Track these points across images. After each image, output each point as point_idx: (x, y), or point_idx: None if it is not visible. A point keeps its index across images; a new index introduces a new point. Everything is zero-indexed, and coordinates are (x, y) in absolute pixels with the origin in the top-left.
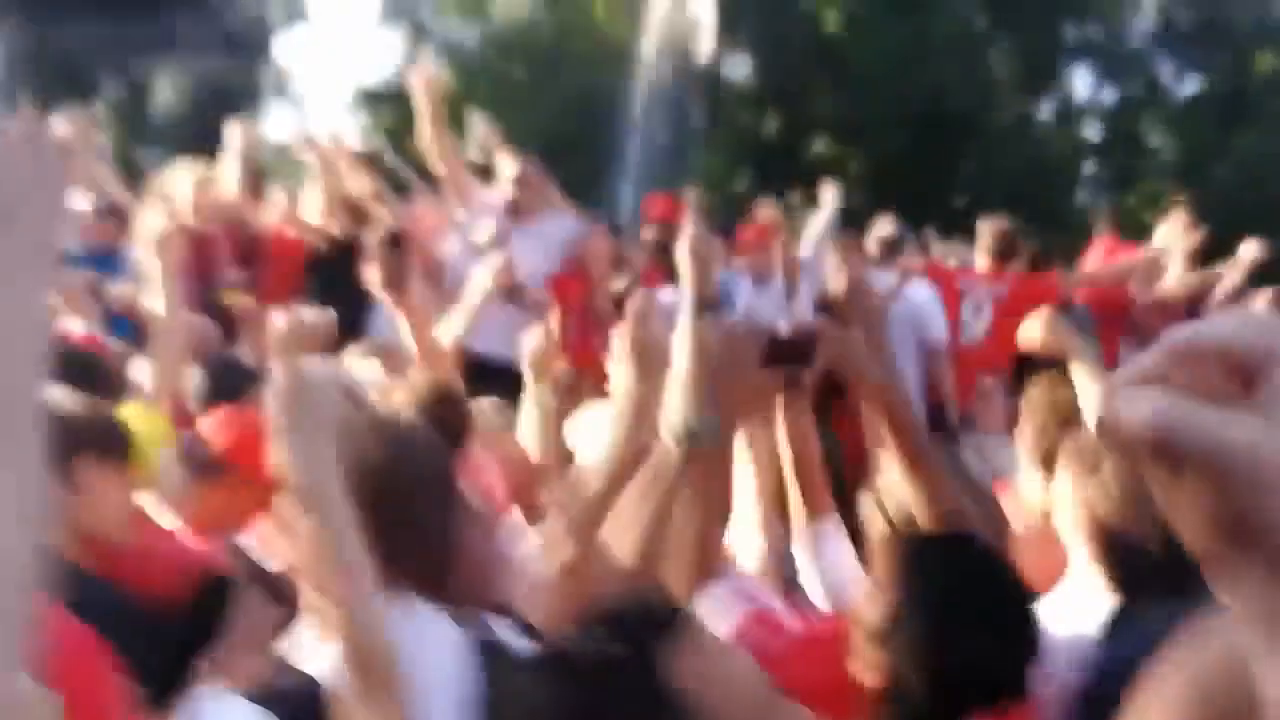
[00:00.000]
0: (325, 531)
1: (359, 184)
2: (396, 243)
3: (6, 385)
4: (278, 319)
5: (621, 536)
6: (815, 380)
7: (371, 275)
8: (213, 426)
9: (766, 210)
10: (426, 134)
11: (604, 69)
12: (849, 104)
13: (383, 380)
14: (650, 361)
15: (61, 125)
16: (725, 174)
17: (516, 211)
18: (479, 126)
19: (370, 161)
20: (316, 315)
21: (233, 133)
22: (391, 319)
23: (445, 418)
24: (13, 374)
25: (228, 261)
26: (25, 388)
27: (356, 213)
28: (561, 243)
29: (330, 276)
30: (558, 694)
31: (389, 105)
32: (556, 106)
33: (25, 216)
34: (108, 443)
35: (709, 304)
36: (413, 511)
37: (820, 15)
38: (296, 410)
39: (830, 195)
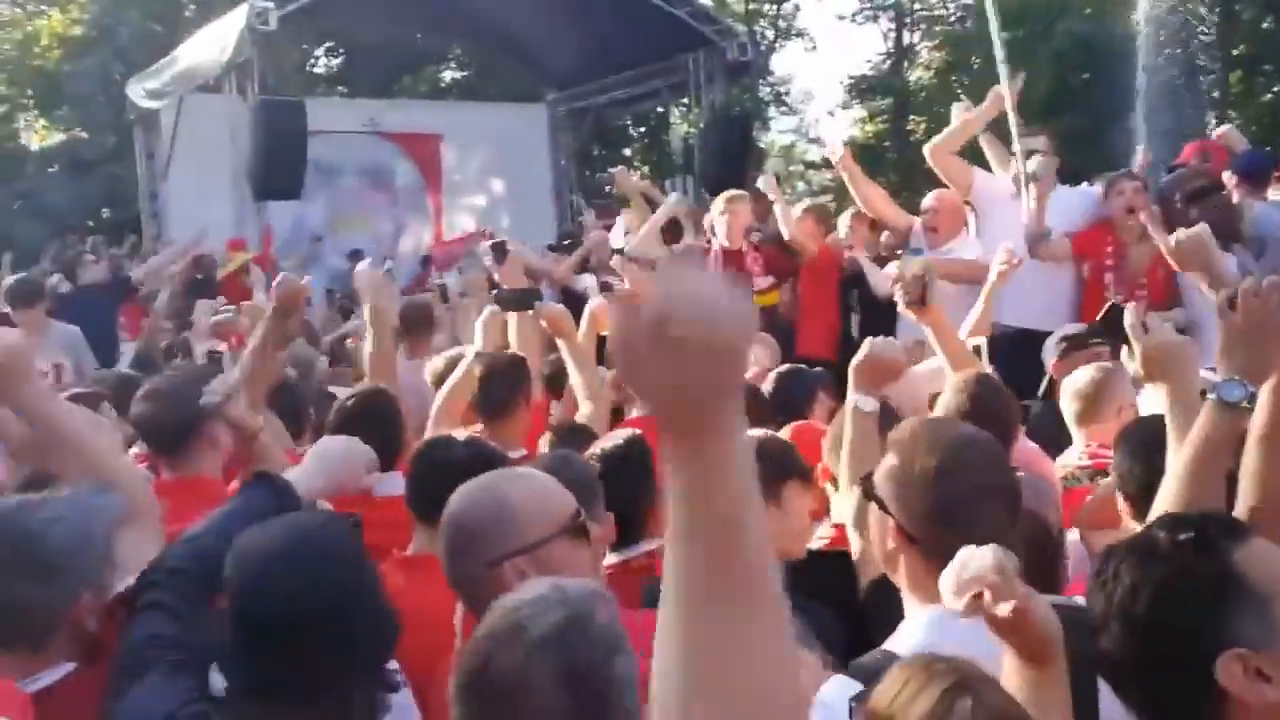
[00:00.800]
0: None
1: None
2: (921, 278)
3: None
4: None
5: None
6: None
7: (897, 294)
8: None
9: None
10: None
11: (1099, 15)
12: None
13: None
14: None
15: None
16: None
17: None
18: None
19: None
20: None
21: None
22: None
23: (995, 413)
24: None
25: (759, 273)
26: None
27: (875, 227)
28: (1085, 208)
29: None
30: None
31: (881, 94)
32: (1052, 57)
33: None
34: (803, 468)
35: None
36: (973, 520)
37: None
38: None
39: None
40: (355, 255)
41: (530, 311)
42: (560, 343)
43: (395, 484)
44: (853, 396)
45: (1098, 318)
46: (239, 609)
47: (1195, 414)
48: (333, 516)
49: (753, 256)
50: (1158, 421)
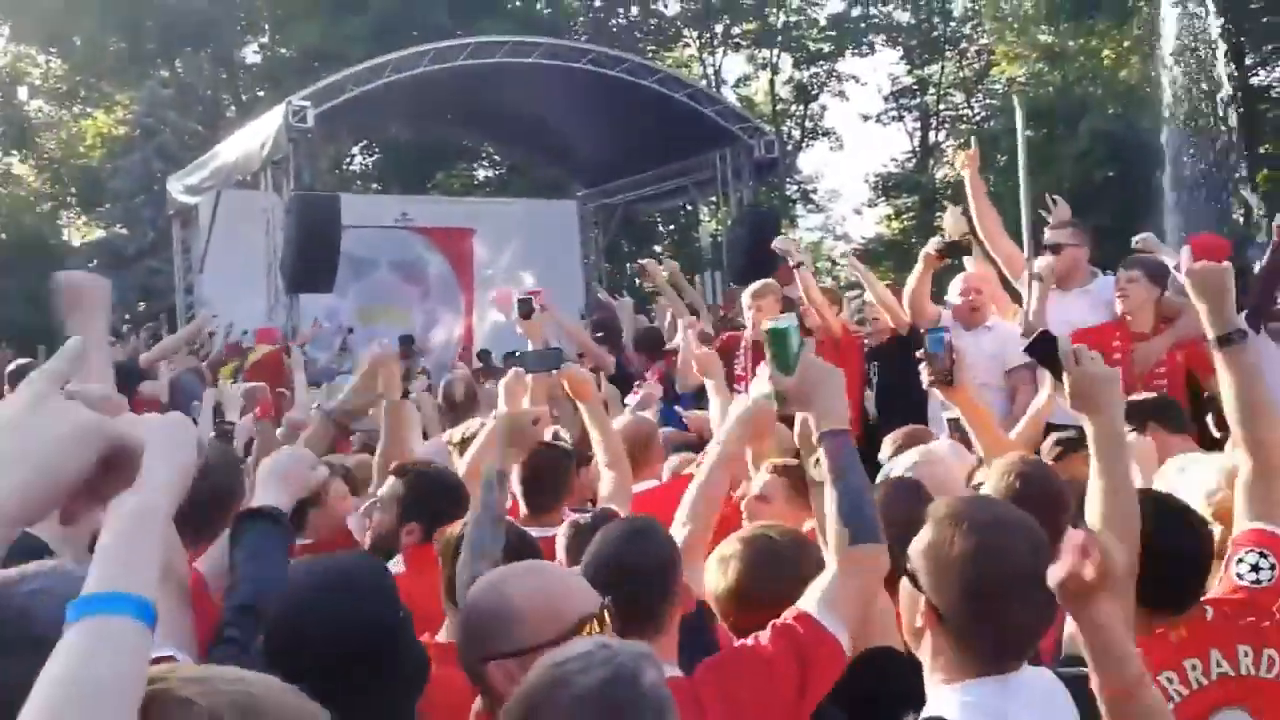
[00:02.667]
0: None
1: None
2: (951, 352)
3: None
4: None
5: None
6: None
7: (922, 372)
8: None
9: None
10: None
11: (1124, 109)
12: None
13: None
14: None
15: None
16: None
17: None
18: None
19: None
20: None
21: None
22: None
23: (1044, 497)
24: None
25: None
26: None
27: (894, 312)
28: (1108, 301)
29: (890, 365)
30: None
31: (907, 191)
32: (1077, 156)
33: None
34: None
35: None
36: (1007, 608)
37: None
38: None
39: None
40: (406, 341)
41: (554, 373)
42: (582, 406)
43: None
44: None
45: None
46: (275, 647)
47: (1118, 446)
48: (368, 558)
49: None
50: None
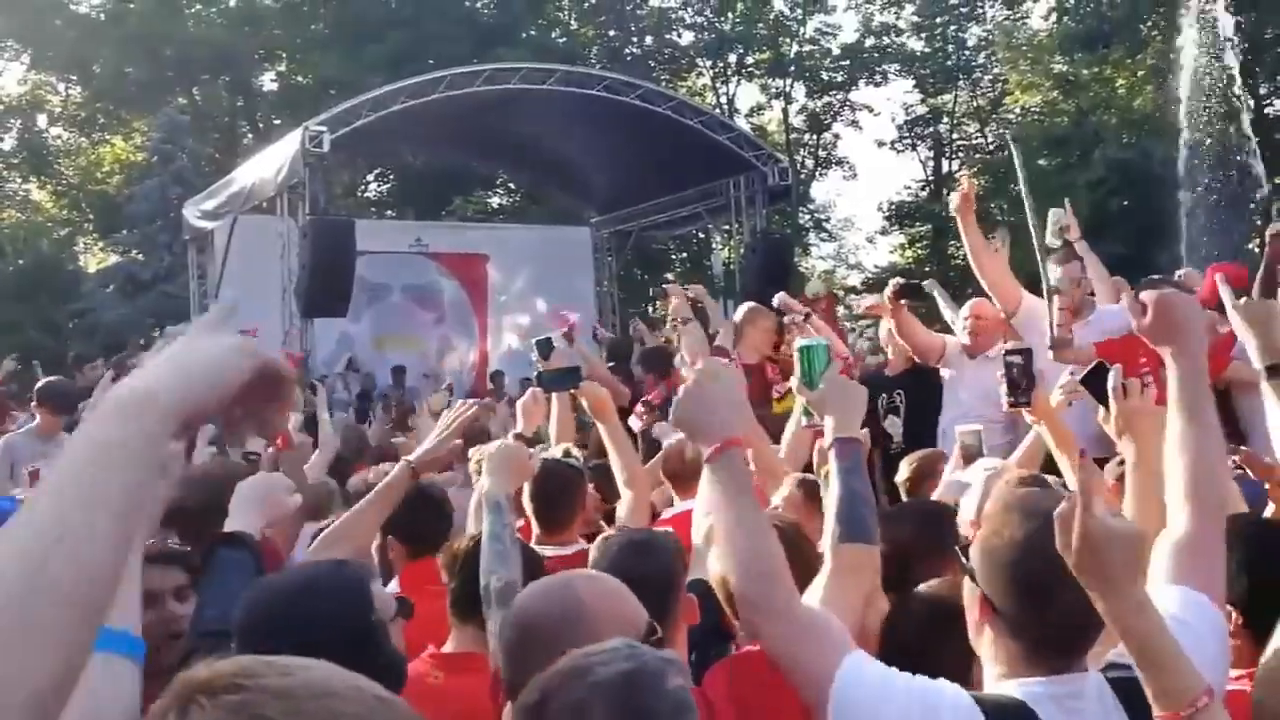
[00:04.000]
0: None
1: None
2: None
3: None
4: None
5: None
6: None
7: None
8: None
9: None
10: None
11: (1138, 138)
12: None
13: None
14: None
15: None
16: None
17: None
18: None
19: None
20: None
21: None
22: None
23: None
24: None
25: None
26: None
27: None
28: (1108, 331)
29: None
30: None
31: (920, 220)
32: (1092, 185)
33: None
34: None
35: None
36: (1055, 596)
37: None
38: None
39: None
40: (398, 371)
41: (572, 391)
42: (601, 426)
43: None
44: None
45: (1083, 374)
46: (246, 650)
47: (1154, 479)
48: (344, 563)
49: (771, 367)
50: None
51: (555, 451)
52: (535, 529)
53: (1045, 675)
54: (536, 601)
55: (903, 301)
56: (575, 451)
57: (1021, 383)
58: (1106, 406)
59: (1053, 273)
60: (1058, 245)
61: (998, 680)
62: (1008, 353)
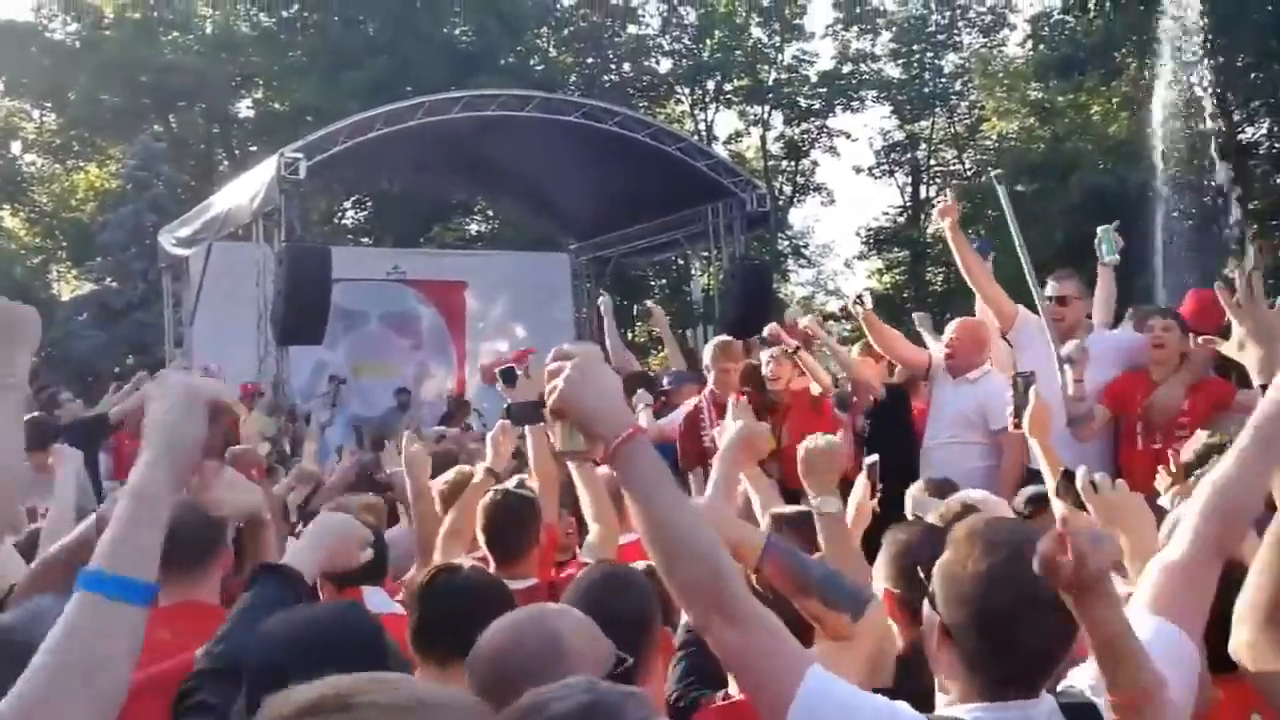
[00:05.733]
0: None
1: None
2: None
3: None
4: None
5: None
6: None
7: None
8: None
9: None
10: (960, 260)
11: (1113, 164)
12: None
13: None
14: None
15: None
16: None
17: (1066, 329)
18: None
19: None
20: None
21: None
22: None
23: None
24: None
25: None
26: None
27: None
28: (1123, 350)
29: (882, 420)
30: None
31: (898, 246)
32: (1067, 210)
33: None
34: None
35: None
36: (1015, 634)
37: None
38: None
39: None
40: (402, 393)
41: (543, 424)
42: (568, 462)
43: None
44: (813, 501)
45: (1055, 489)
46: (256, 697)
47: (1149, 560)
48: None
49: (715, 408)
50: None
51: (509, 482)
52: (491, 563)
53: (996, 702)
54: (512, 636)
55: (869, 307)
56: (530, 482)
57: (1026, 404)
58: (1082, 508)
59: (1068, 346)
60: (1113, 259)
61: (948, 705)
62: (1015, 375)
